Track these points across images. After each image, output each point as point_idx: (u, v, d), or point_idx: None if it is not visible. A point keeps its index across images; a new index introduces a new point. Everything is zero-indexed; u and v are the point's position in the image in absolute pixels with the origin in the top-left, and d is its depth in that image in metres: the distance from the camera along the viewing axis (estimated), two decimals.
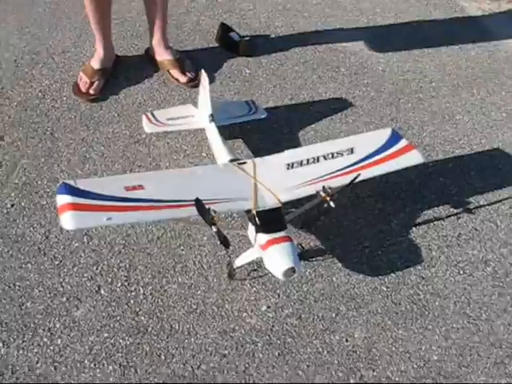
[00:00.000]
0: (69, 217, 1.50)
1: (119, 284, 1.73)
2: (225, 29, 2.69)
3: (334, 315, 1.71)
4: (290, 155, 1.86)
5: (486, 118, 2.48)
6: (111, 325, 1.63)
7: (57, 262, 1.76)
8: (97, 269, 1.76)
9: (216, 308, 1.70)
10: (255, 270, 1.80)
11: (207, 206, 1.56)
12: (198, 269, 1.79)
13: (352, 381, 1.57)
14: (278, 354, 1.61)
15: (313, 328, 1.68)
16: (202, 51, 2.66)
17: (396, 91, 2.56)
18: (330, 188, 1.70)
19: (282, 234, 1.65)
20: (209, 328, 1.64)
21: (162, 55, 2.45)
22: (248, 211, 1.67)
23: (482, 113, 2.50)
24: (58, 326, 1.61)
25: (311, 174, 1.78)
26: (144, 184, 1.65)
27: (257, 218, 1.65)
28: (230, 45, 2.65)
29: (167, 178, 1.78)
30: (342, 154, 1.86)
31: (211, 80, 2.43)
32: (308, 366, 1.59)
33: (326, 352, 1.63)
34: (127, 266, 1.78)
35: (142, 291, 1.71)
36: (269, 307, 1.71)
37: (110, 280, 1.73)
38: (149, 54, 2.54)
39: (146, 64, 2.54)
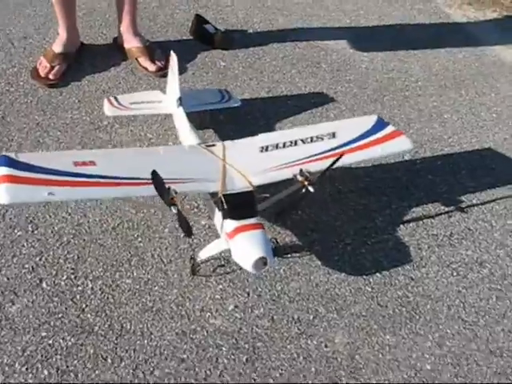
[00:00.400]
0: (3, 190, 1.28)
1: (64, 277, 1.49)
2: (200, 20, 2.52)
3: (311, 317, 1.49)
4: (264, 138, 1.67)
5: (475, 117, 2.33)
6: (51, 323, 1.38)
7: None
8: (40, 260, 1.52)
9: (175, 306, 1.47)
10: (222, 265, 1.58)
11: (167, 185, 1.35)
12: (156, 263, 1.56)
13: None
14: (246, 360, 1.37)
15: (287, 331, 1.45)
16: (174, 43, 2.48)
17: (380, 88, 2.41)
18: (308, 172, 1.51)
19: (252, 220, 1.45)
20: (166, 329, 1.41)
21: (131, 42, 2.27)
22: (214, 194, 1.46)
23: (471, 113, 2.35)
24: None
25: (287, 158, 1.59)
26: (96, 160, 1.44)
27: (224, 202, 1.44)
28: (205, 37, 2.48)
29: (123, 155, 1.57)
30: (322, 139, 1.68)
31: (182, 70, 2.25)
32: (281, 373, 1.36)
33: (301, 358, 1.40)
34: (75, 257, 1.54)
35: (90, 286, 1.48)
36: (236, 307, 1.49)
37: (54, 272, 1.50)
38: (117, 43, 2.36)
39: (114, 52, 2.35)
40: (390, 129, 1.73)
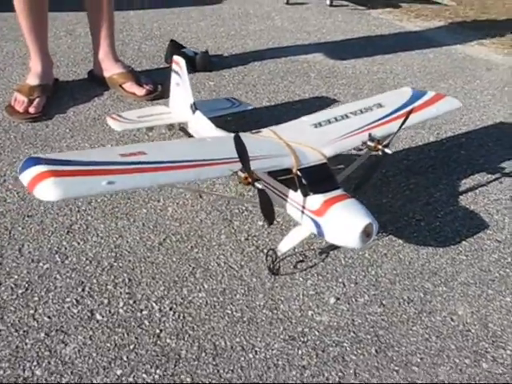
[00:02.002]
0: (50, 184, 0.99)
1: (121, 304, 1.18)
2: (176, 46, 2.37)
3: (422, 295, 1.27)
4: (308, 119, 1.49)
5: (474, 100, 2.30)
6: (123, 357, 1.06)
7: (20, 291, 1.18)
8: (83, 290, 1.20)
9: (268, 311, 1.19)
10: (301, 260, 1.34)
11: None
12: (226, 270, 1.29)
13: (484, 365, 1.11)
14: (376, 352, 1.12)
15: (404, 313, 1.22)
16: (153, 71, 2.30)
17: (376, 86, 2.33)
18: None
19: (338, 192, 1.24)
20: (268, 337, 1.12)
21: (111, 70, 2.06)
22: (285, 173, 1.24)
23: (468, 97, 2.33)
24: (38, 373, 1.02)
25: (348, 127, 1.42)
26: (145, 150, 1.19)
27: (303, 177, 1.23)
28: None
29: (172, 145, 1.33)
30: (371, 109, 1.53)
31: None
32: (421, 358, 1.11)
33: (434, 337, 1.16)
34: (126, 280, 1.24)
35: (156, 307, 1.17)
36: (338, 299, 1.24)
37: (105, 301, 1.18)
38: (94, 75, 2.13)
39: (93, 84, 2.12)
40: (431, 94, 1.63)
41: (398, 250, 1.41)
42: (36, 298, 1.17)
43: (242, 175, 1.14)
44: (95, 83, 2.12)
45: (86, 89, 2.09)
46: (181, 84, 1.72)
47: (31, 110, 1.83)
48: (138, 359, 1.06)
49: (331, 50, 2.69)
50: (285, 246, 1.28)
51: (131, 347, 1.09)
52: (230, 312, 1.18)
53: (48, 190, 0.99)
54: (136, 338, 1.10)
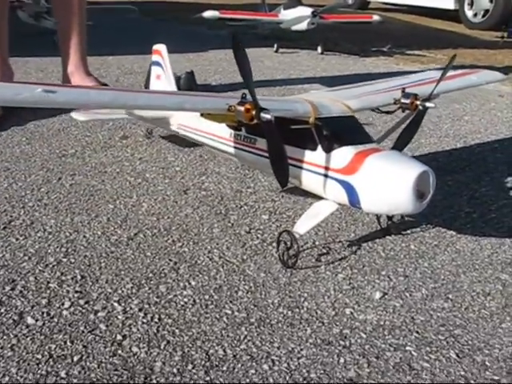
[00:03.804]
0: None
1: (66, 305, 0.79)
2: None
3: (499, 287, 0.90)
4: (341, 91, 1.19)
5: (495, 116, 2.06)
6: (61, 373, 0.66)
7: None
8: (12, 290, 0.82)
9: (287, 310, 0.81)
10: (325, 253, 0.97)
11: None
12: (222, 265, 0.91)
13: None
14: (458, 356, 0.73)
15: (482, 307, 0.84)
16: None
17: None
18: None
19: (373, 145, 0.91)
20: (291, 342, 0.74)
21: (83, 82, 1.77)
22: (304, 128, 0.91)
23: (488, 114, 2.08)
24: None
25: (383, 86, 1.12)
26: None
27: (323, 128, 0.90)
28: None
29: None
30: (408, 78, 1.24)
31: None
32: None
33: None
34: (78, 278, 0.86)
35: (118, 309, 0.78)
36: (385, 294, 0.86)
37: (43, 302, 0.79)
38: None
39: None
40: (467, 69, 1.36)
41: (452, 241, 1.05)
42: None
43: (242, 109, 0.81)
44: None
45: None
46: (162, 75, 1.43)
47: None
48: (85, 375, 0.66)
49: (329, 80, 2.46)
50: (303, 226, 0.92)
51: (75, 359, 0.69)
52: (229, 312, 0.80)
53: None
54: (84, 347, 0.71)
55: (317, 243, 1.00)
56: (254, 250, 0.98)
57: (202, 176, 1.29)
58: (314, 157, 0.91)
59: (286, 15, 3.20)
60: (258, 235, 1.03)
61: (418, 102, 1.04)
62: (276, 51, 3.26)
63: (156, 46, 1.46)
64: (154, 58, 1.46)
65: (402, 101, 1.05)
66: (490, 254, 1.01)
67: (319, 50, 3.30)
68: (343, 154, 0.88)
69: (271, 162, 0.85)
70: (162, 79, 1.43)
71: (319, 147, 0.91)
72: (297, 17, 3.06)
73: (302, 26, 3.08)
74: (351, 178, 0.86)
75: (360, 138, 0.92)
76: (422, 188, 0.83)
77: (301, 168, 0.94)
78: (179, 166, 1.34)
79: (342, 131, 0.92)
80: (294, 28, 3.14)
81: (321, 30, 3.30)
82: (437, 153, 1.62)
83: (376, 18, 3.29)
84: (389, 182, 0.82)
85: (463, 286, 0.90)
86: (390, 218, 1.07)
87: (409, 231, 1.09)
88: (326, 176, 0.90)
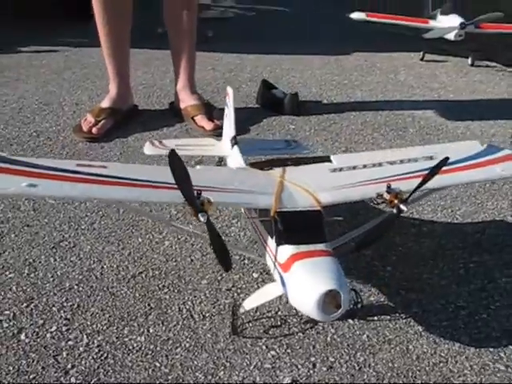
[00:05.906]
0: None
1: (53, 328, 1.07)
2: (267, 85, 2.29)
3: None
4: (336, 161, 1.27)
5: None
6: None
7: None
8: (27, 307, 1.12)
9: (202, 375, 0.98)
10: (278, 325, 1.10)
11: (197, 190, 0.96)
12: (184, 318, 1.11)
13: None
14: None
15: None
16: (238, 110, 2.23)
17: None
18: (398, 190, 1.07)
19: (319, 246, 1.00)
20: None
21: (187, 101, 2.04)
22: (266, 215, 1.04)
23: None
24: None
25: (368, 176, 1.16)
26: (108, 165, 1.09)
27: (278, 222, 1.01)
28: (273, 103, 2.22)
29: (144, 166, 1.21)
30: (416, 160, 1.25)
31: (244, 131, 1.97)
32: None
33: None
34: (74, 306, 1.12)
35: (85, 341, 1.04)
36: (295, 381, 0.97)
37: (40, 322, 1.08)
38: (173, 107, 2.14)
39: (169, 115, 2.12)
40: (506, 152, 1.28)
41: (410, 339, 1.08)
42: None
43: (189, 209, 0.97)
44: (173, 114, 2.12)
45: (161, 118, 2.10)
46: (227, 116, 1.61)
47: (94, 130, 1.87)
48: None
49: (449, 108, 2.36)
50: (250, 303, 1.06)
51: (31, 377, 0.96)
52: (157, 365, 0.99)
53: None
54: (42, 369, 0.98)
55: (279, 313, 1.13)
56: (220, 308, 1.14)
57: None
58: (271, 244, 1.04)
59: (439, 21, 3.06)
60: (234, 294, 1.19)
61: (396, 201, 1.07)
62: (421, 59, 3.15)
63: (227, 89, 1.64)
64: (226, 99, 1.65)
65: (384, 196, 1.09)
66: (434, 364, 1.03)
67: (469, 61, 3.10)
68: (285, 251, 0.98)
69: (214, 252, 0.99)
70: (226, 119, 1.61)
71: (274, 238, 1.03)
72: (443, 27, 2.92)
73: (449, 37, 2.92)
74: (284, 275, 0.97)
75: (309, 237, 1.00)
76: (336, 300, 0.91)
77: (265, 250, 1.07)
78: None
79: (295, 228, 1.01)
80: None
81: (478, 35, 3.09)
82: (491, 222, 1.53)
83: None
84: (302, 291, 0.92)
85: None
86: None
87: (381, 315, 1.15)
88: (274, 265, 1.02)
